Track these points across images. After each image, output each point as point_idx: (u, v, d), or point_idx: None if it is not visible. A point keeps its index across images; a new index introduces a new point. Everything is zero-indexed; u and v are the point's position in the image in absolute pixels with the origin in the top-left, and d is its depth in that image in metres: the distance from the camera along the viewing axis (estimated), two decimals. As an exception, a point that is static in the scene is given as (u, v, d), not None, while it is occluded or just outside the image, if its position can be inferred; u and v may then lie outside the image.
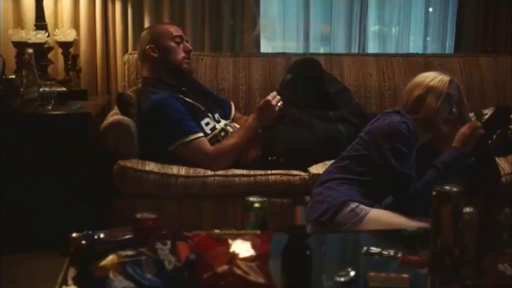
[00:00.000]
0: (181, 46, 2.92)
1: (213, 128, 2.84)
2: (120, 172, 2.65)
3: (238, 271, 1.43)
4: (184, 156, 2.71)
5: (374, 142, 2.41)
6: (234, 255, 1.46)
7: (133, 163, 2.67)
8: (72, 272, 1.68)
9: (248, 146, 2.80)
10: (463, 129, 2.40)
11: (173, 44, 2.90)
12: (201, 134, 2.74)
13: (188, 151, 2.70)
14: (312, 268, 1.40)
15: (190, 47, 2.97)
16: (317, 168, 2.72)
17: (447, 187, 1.60)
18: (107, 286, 1.38)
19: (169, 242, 1.51)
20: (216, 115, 2.95)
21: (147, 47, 2.89)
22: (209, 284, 1.43)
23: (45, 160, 2.77)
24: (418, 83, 2.53)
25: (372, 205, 2.32)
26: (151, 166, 2.68)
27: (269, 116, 2.82)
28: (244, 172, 2.72)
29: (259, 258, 1.48)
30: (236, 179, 2.69)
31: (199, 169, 2.69)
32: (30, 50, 2.83)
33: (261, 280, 1.44)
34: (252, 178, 2.69)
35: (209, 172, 2.69)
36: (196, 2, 3.44)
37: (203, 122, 2.82)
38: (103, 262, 1.45)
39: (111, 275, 1.40)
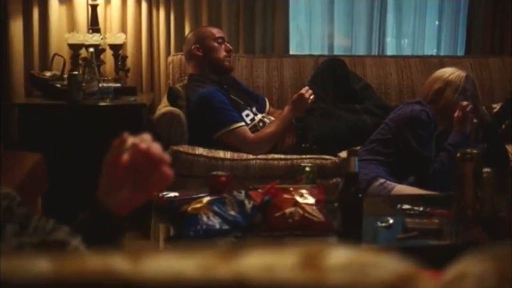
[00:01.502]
0: (223, 46, 3.26)
1: (252, 119, 3.18)
2: (173, 156, 2.98)
3: (303, 212, 1.78)
4: (228, 142, 3.05)
5: (398, 128, 2.75)
6: (298, 200, 1.81)
7: (184, 148, 3.02)
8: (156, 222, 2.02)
9: (284, 134, 3.14)
10: (456, 113, 2.72)
11: (216, 44, 3.24)
12: (243, 123, 3.08)
13: (231, 138, 3.04)
14: (363, 208, 1.74)
15: (231, 47, 3.31)
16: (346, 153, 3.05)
17: (469, 149, 1.94)
18: (199, 221, 1.73)
19: (243, 191, 1.86)
20: (253, 109, 3.29)
21: (193, 47, 3.24)
22: (279, 222, 1.77)
23: (104, 147, 3.10)
24: (437, 77, 2.88)
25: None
26: (200, 151, 3.02)
27: (302, 108, 3.15)
28: (282, 156, 3.06)
29: (318, 203, 1.83)
30: (275, 162, 3.03)
31: (242, 153, 3.03)
32: (91, 49, 3.19)
33: (321, 219, 1.78)
34: (289, 162, 3.02)
35: (251, 156, 3.03)
36: (231, 9, 3.79)
37: (243, 114, 3.16)
38: (194, 205, 1.79)
39: (201, 212, 1.75)
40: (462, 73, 2.86)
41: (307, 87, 3.18)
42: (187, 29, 3.71)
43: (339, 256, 0.44)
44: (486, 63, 3.74)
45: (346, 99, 3.38)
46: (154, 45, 3.76)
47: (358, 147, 2.92)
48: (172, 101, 3.18)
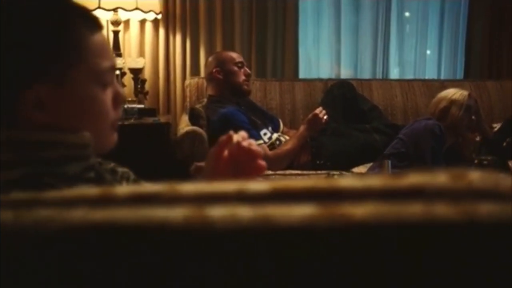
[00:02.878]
0: (242, 70, 3.45)
1: (270, 138, 3.37)
2: (196, 171, 3.15)
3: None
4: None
5: (413, 141, 2.95)
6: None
7: (207, 164, 3.19)
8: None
9: (299, 152, 3.32)
10: None
11: (235, 68, 3.43)
12: (262, 141, 3.26)
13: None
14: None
15: (250, 71, 3.51)
16: (359, 169, 3.24)
17: (483, 156, 2.13)
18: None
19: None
20: (270, 128, 3.48)
21: (214, 70, 3.43)
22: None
23: (131, 163, 3.27)
24: (442, 97, 3.10)
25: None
26: (222, 167, 3.19)
27: (316, 127, 3.33)
28: (299, 172, 3.24)
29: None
30: (293, 177, 3.21)
31: (262, 169, 3.20)
32: (117, 72, 3.37)
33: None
34: (305, 177, 3.20)
35: (270, 172, 3.20)
36: (244, 35, 4.01)
37: (261, 133, 3.35)
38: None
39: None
40: (465, 92, 3.10)
41: (321, 108, 3.37)
42: (202, 54, 3.92)
43: (476, 173, 0.62)
44: (485, 86, 3.97)
45: (356, 119, 3.58)
46: (170, 68, 3.95)
47: (370, 164, 3.12)
48: (194, 120, 3.36)
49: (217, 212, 0.54)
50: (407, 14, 4.37)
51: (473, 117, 3.08)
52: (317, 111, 3.33)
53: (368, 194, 0.59)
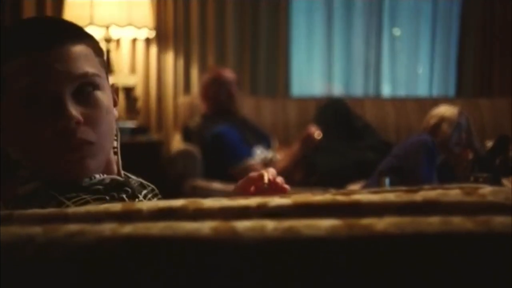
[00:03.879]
0: (235, 88, 3.48)
1: (264, 156, 3.38)
2: (191, 190, 3.16)
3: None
4: (243, 177, 3.22)
5: (407, 156, 2.97)
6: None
7: (201, 183, 3.19)
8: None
9: (293, 170, 3.33)
10: None
11: (228, 87, 3.45)
12: (255, 160, 3.27)
13: (245, 174, 3.21)
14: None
15: (242, 90, 3.53)
16: (354, 187, 3.25)
17: (479, 174, 2.15)
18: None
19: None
20: (263, 146, 3.49)
21: (207, 88, 3.45)
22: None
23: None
24: (434, 114, 3.13)
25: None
26: (215, 185, 3.19)
27: (310, 146, 3.34)
28: (294, 190, 3.24)
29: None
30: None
31: (256, 187, 3.21)
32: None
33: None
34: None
35: (264, 190, 3.20)
36: (236, 54, 4.03)
37: (255, 151, 3.36)
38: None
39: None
40: (456, 110, 3.14)
41: (315, 126, 3.39)
42: (194, 72, 3.93)
43: (487, 188, 0.64)
44: (477, 104, 3.99)
45: (349, 136, 3.60)
46: (162, 86, 3.96)
47: (365, 180, 3.13)
48: (187, 139, 3.37)
49: (244, 224, 0.55)
50: (398, 31, 4.41)
51: (463, 134, 3.11)
52: (311, 129, 3.35)
53: (386, 208, 0.61)
